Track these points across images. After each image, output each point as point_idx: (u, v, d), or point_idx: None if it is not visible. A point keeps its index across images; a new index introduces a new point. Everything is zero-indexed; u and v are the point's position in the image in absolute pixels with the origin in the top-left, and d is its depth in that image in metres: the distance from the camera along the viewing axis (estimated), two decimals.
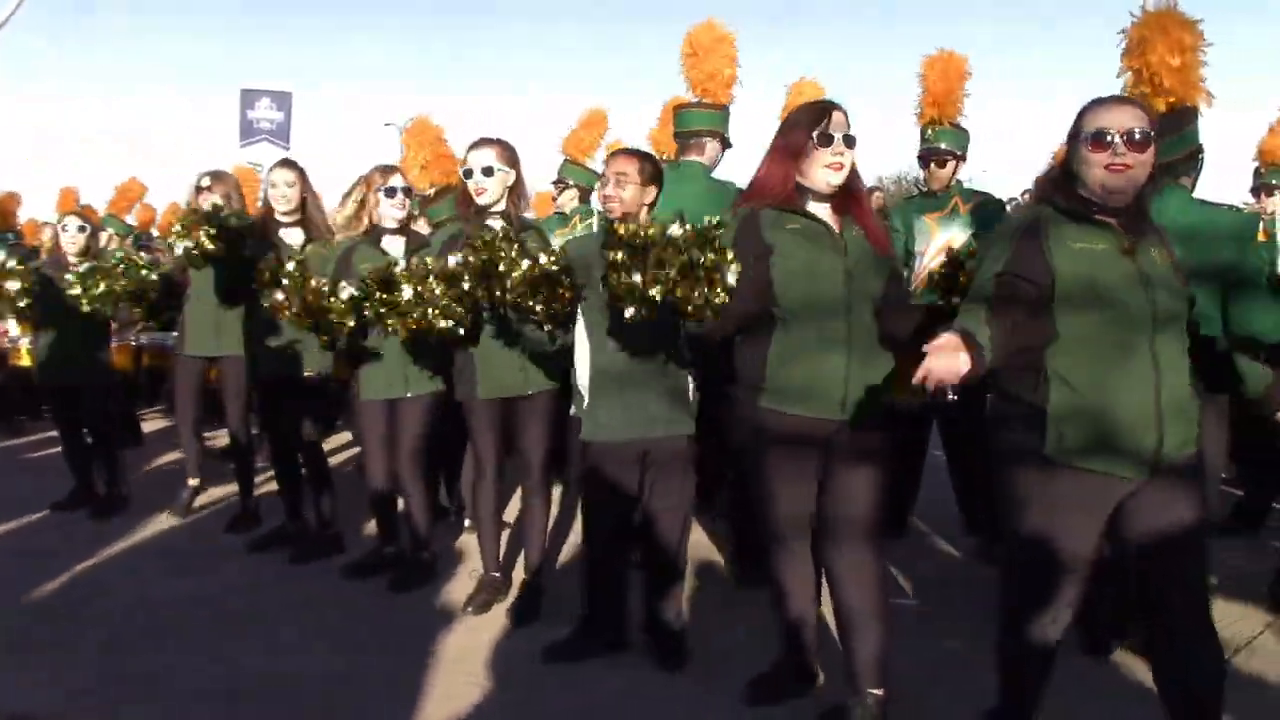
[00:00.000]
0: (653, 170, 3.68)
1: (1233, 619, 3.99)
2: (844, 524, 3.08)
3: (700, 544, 5.17)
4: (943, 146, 5.13)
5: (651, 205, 3.70)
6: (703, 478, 5.45)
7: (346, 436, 7.95)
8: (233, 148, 19.17)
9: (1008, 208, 5.61)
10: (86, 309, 5.14)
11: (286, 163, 5.18)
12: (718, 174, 4.87)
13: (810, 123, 3.02)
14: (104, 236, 8.06)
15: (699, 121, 4.71)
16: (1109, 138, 2.54)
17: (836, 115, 3.02)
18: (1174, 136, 3.56)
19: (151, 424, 9.03)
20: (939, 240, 5.06)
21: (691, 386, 3.65)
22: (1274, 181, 6.31)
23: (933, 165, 5.15)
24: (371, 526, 5.14)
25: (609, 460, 3.66)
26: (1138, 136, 2.53)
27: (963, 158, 5.20)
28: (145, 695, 3.53)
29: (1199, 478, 2.67)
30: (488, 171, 4.04)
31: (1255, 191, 6.72)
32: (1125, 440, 2.54)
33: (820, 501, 3.13)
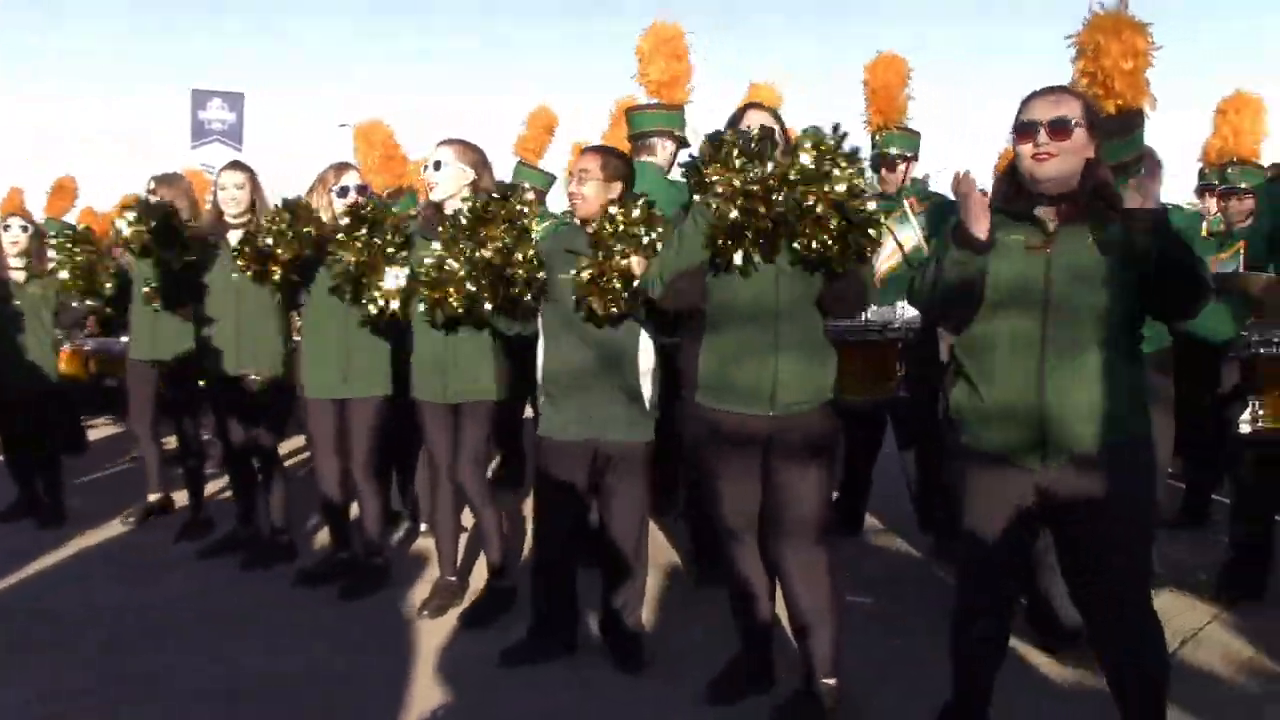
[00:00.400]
0: (617, 166, 3.65)
1: (1179, 611, 4.08)
2: (786, 521, 3.10)
3: (659, 544, 5.18)
4: (893, 151, 5.18)
5: (618, 202, 3.65)
6: (663, 478, 5.48)
7: (298, 441, 7.86)
8: (185, 149, 18.97)
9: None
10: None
11: (236, 164, 5.13)
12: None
13: (729, 126, 3.10)
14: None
15: (650, 123, 4.70)
16: (1031, 128, 2.60)
17: (752, 114, 3.11)
18: (1124, 139, 3.61)
19: (101, 431, 8.87)
20: (893, 241, 5.11)
21: (649, 392, 3.63)
22: (1215, 182, 6.42)
23: (884, 169, 5.21)
24: (324, 532, 5.09)
25: (559, 458, 3.67)
26: (1060, 124, 2.57)
27: (914, 159, 5.26)
28: (145, 695, 3.54)
29: (1133, 464, 2.64)
30: (436, 166, 4.05)
31: (1199, 191, 6.84)
32: (1013, 433, 2.62)
33: (763, 499, 3.16)
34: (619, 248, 3.38)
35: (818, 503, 3.11)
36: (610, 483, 3.68)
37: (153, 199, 5.03)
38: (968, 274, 2.60)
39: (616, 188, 3.63)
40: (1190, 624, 3.99)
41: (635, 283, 3.34)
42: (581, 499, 3.73)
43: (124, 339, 6.16)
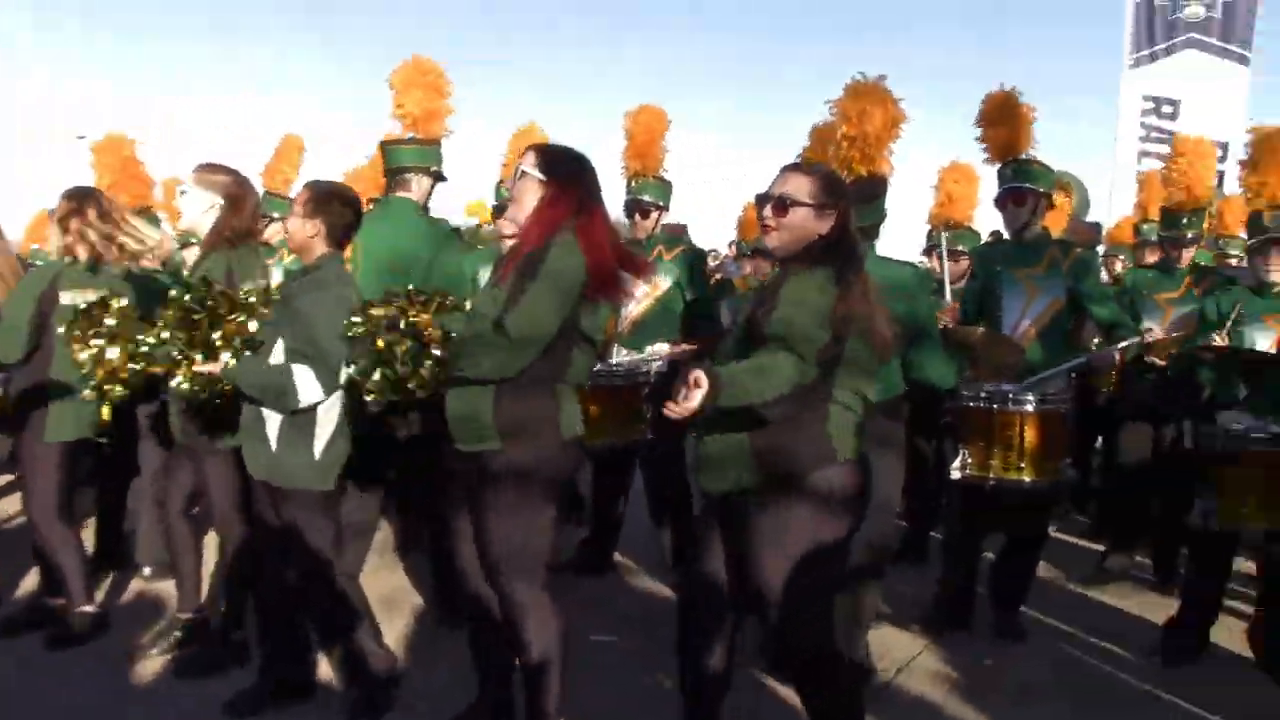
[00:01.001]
0: (318, 201, 3.48)
1: (897, 642, 4.37)
2: (482, 559, 3.07)
3: (403, 584, 5.06)
4: (646, 198, 5.34)
5: (326, 237, 3.49)
6: (413, 517, 5.37)
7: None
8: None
9: (709, 258, 5.90)
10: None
11: None
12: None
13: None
14: None
15: (406, 158, 4.60)
16: (762, 200, 2.87)
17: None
18: (868, 205, 3.87)
19: None
20: (643, 286, 5.24)
21: (274, 439, 3.40)
22: (934, 244, 6.94)
23: (637, 215, 5.36)
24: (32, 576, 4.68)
25: (259, 496, 3.56)
26: (780, 202, 2.82)
27: (665, 208, 5.44)
28: (145, 695, 3.66)
29: (794, 504, 2.74)
30: (182, 192, 3.88)
31: (927, 252, 7.39)
32: (705, 474, 2.89)
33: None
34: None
35: (506, 544, 3.00)
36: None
37: None
38: None
39: (315, 224, 3.46)
40: (907, 654, 4.27)
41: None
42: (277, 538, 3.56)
43: None
